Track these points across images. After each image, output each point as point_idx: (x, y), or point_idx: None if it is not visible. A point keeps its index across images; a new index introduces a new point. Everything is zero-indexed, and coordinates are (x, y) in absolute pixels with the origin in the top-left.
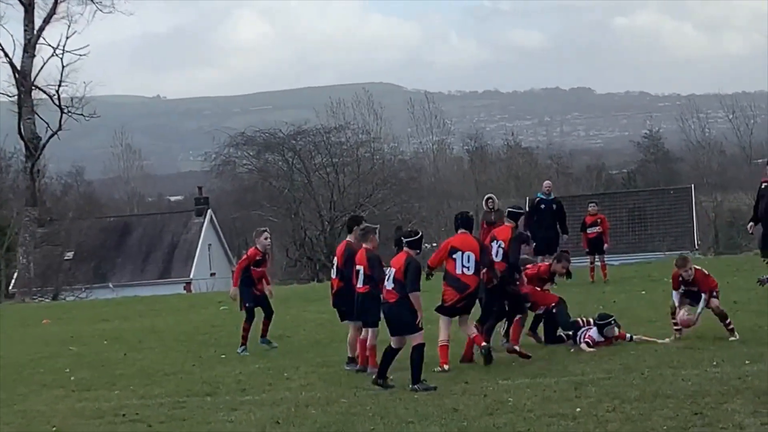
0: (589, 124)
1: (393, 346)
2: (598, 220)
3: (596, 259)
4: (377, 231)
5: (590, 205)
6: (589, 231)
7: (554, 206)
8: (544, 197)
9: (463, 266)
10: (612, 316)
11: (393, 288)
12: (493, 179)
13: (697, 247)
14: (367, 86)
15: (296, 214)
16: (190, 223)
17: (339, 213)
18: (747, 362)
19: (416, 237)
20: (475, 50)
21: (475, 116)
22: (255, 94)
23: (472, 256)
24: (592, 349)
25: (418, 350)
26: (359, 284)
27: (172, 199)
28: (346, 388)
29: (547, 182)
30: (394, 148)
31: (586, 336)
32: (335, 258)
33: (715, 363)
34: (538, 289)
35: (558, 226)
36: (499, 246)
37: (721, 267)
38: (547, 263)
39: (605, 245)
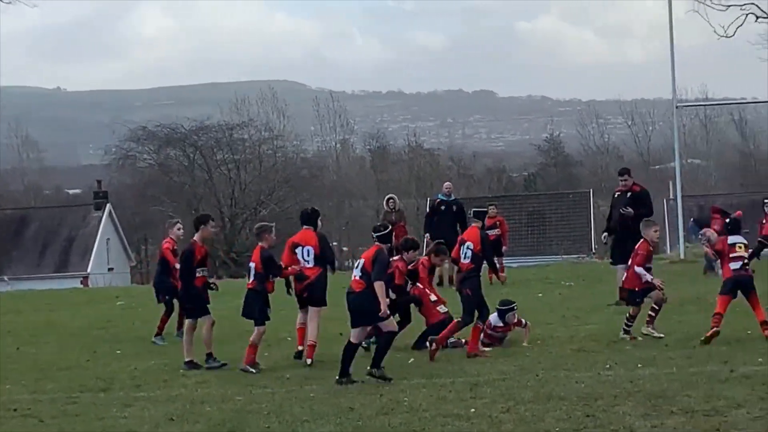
0: (491, 127)
1: (353, 341)
2: (497, 223)
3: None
4: (272, 229)
5: (490, 207)
6: (488, 233)
7: (454, 207)
8: (444, 198)
9: (303, 259)
10: (514, 303)
11: (360, 277)
12: (394, 179)
13: (594, 251)
14: (272, 83)
15: (196, 210)
16: (89, 217)
17: (240, 210)
18: (639, 366)
19: (385, 231)
20: (379, 50)
21: (378, 116)
22: (157, 88)
23: (311, 250)
24: (487, 350)
25: (387, 337)
26: (249, 280)
27: (71, 192)
28: (242, 386)
29: (447, 183)
30: (297, 146)
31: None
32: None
33: (608, 366)
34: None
35: (458, 227)
36: (467, 248)
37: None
38: (426, 258)
39: (503, 247)
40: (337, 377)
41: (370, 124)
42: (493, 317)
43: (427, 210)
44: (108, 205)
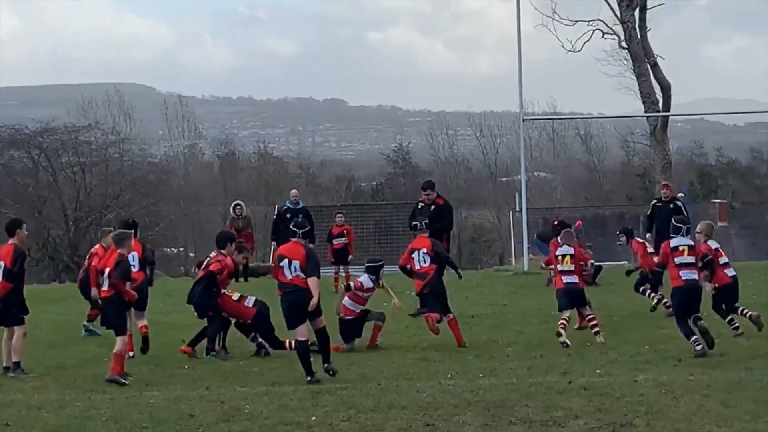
0: (340, 135)
1: (300, 339)
2: (345, 231)
3: (341, 270)
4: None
5: (337, 215)
6: (335, 242)
7: (300, 215)
8: (291, 206)
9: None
10: (382, 260)
11: (298, 275)
12: (243, 185)
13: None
14: (119, 86)
15: (40, 212)
16: None
17: (85, 213)
18: (480, 375)
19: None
20: (230, 56)
21: (228, 122)
22: (1, 88)
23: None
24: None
25: (324, 331)
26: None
27: None
28: (81, 391)
29: (293, 191)
30: (144, 150)
31: (356, 283)
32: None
33: (449, 375)
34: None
35: None
36: (422, 253)
37: (461, 282)
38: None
39: (350, 256)
40: (308, 379)
41: (219, 129)
42: (365, 278)
43: (274, 217)
44: None
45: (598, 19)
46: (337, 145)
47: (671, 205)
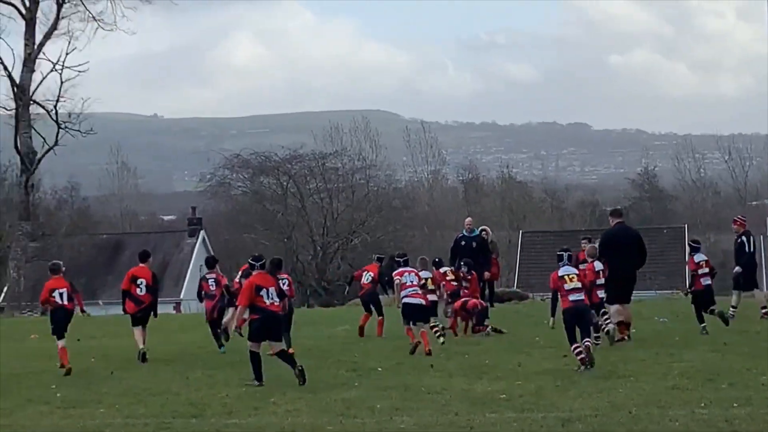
0: (584, 159)
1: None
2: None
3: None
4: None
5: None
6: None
7: (474, 243)
8: (466, 234)
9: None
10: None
11: (279, 302)
12: (486, 210)
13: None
14: (364, 113)
15: (289, 238)
16: (183, 243)
17: (332, 239)
18: (735, 405)
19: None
20: (471, 82)
21: (471, 147)
22: (251, 116)
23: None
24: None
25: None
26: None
27: (166, 218)
28: (333, 415)
29: (468, 219)
30: (389, 176)
31: None
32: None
33: (703, 404)
34: None
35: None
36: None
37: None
38: None
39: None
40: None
41: (462, 155)
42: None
43: (452, 245)
44: (202, 231)
45: None
46: (581, 170)
47: None
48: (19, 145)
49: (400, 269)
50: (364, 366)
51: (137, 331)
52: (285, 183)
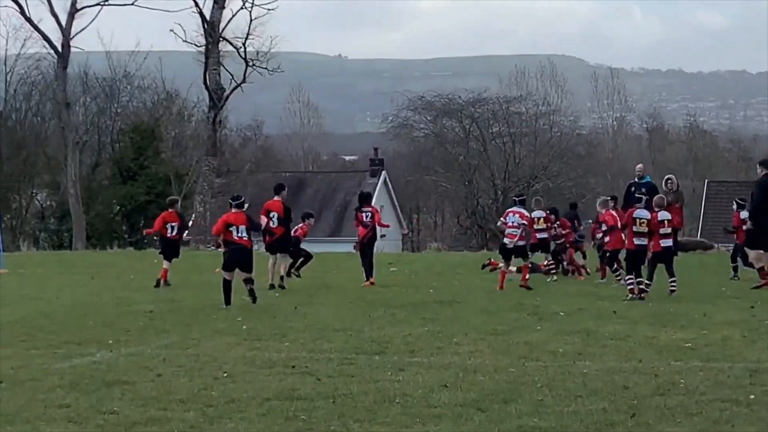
0: None
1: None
2: None
3: None
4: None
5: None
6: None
7: (643, 189)
8: (637, 180)
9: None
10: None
11: (248, 237)
12: (671, 159)
13: None
14: (550, 57)
15: (470, 181)
16: (364, 183)
17: (513, 183)
18: None
19: (241, 200)
20: (658, 28)
21: (657, 95)
22: (435, 59)
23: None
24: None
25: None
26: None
27: (347, 158)
28: (515, 357)
29: (639, 165)
30: (573, 122)
31: None
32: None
33: None
34: None
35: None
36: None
37: None
38: None
39: None
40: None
41: (647, 102)
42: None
43: (624, 193)
44: (383, 172)
45: None
46: None
47: None
48: (208, 81)
49: (508, 209)
50: (545, 310)
51: (270, 260)
52: (468, 126)
